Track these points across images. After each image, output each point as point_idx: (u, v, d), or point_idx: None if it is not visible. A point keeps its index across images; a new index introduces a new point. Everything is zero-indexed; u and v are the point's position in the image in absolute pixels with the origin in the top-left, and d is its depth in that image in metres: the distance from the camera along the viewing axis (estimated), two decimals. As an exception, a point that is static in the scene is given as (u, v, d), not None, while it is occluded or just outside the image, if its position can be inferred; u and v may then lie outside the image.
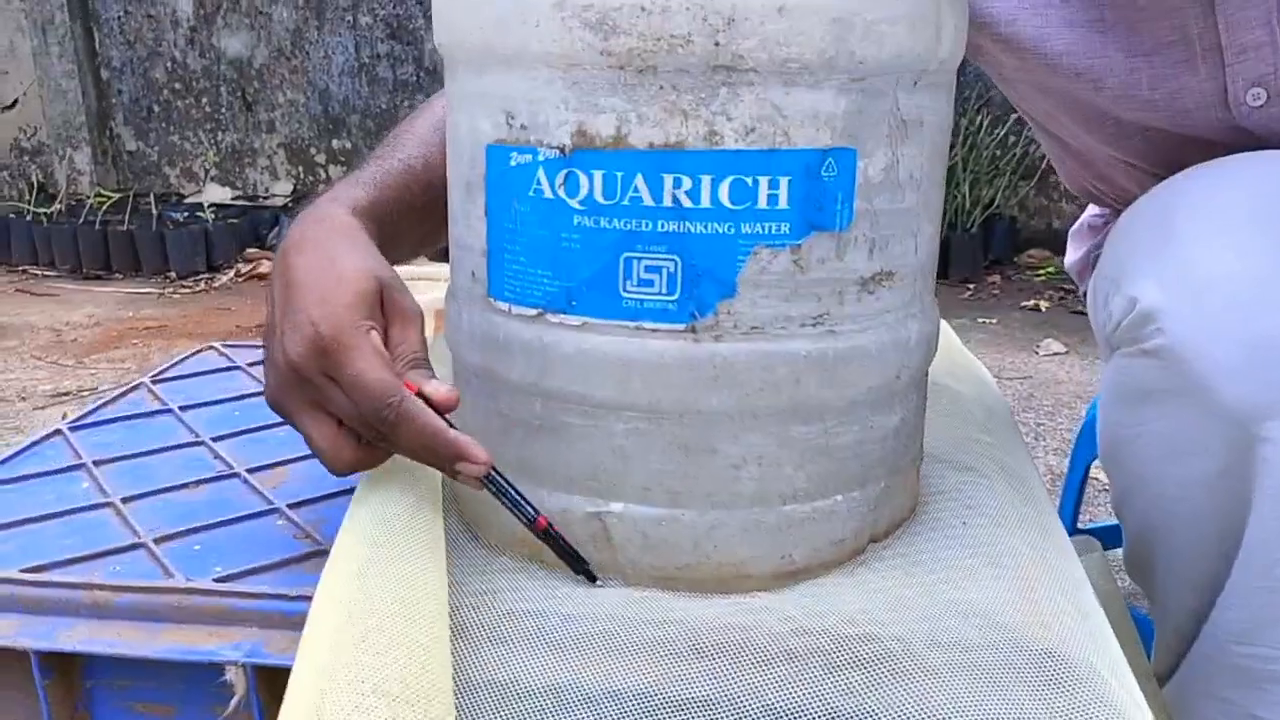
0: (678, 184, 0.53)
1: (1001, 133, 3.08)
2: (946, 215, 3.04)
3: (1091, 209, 1.03)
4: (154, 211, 3.25)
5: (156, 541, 0.66)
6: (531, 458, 0.60)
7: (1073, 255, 1.06)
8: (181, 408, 0.88)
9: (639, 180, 0.53)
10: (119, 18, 3.63)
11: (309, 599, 0.57)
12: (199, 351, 1.03)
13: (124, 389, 0.93)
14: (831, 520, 0.59)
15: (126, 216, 3.20)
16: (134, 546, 0.65)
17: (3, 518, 0.69)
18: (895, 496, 0.63)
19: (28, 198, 3.33)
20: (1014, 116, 3.10)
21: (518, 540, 0.61)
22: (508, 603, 0.57)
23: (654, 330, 0.55)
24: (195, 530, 0.67)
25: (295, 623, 0.58)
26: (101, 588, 0.60)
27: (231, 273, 3.15)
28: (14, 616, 0.60)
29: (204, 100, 3.68)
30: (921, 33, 0.55)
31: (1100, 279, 0.77)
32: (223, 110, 3.68)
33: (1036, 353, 2.29)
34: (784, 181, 0.53)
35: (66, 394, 2.13)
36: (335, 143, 3.66)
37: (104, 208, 3.24)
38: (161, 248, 3.13)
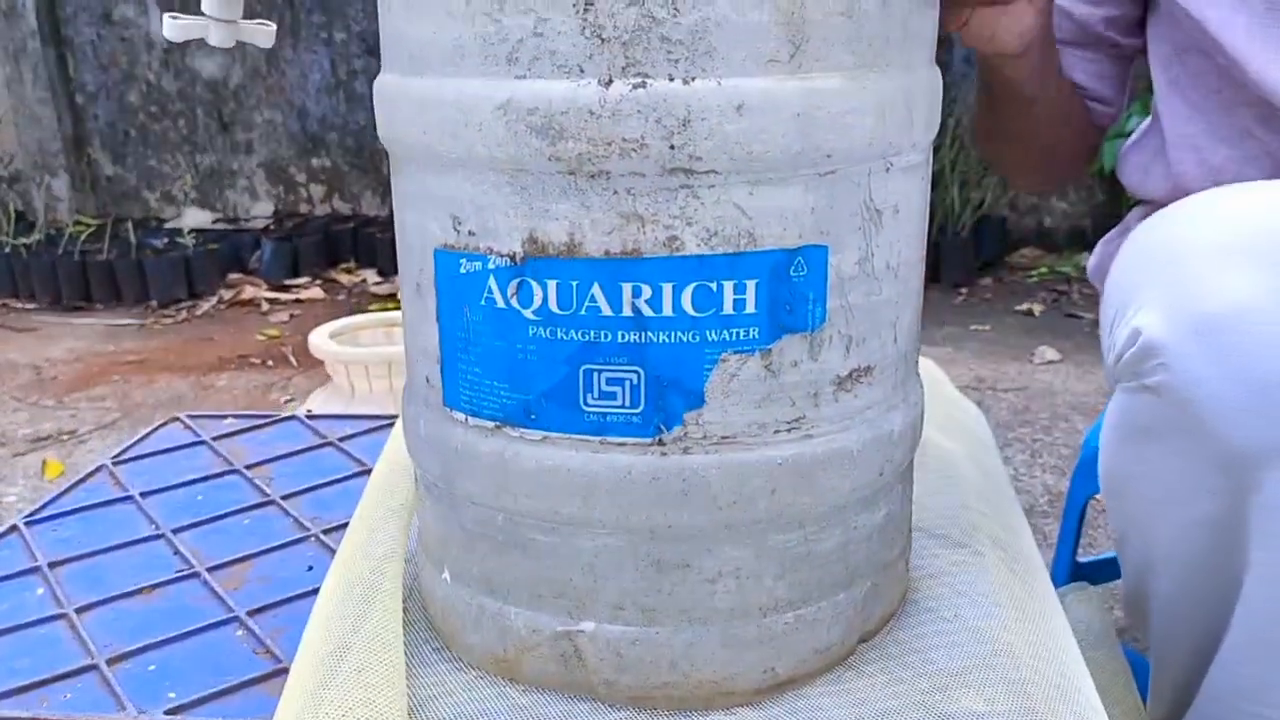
0: (637, 293, 0.49)
1: (988, 131, 3.05)
2: (936, 219, 3.01)
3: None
4: (133, 239, 3.21)
5: (110, 663, 0.63)
6: (497, 573, 0.57)
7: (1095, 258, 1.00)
8: (143, 493, 0.85)
9: (596, 290, 0.50)
10: (92, 42, 3.59)
11: (266, 732, 0.54)
12: (164, 424, 1.00)
13: (85, 474, 0.89)
14: (816, 628, 0.56)
15: (106, 245, 3.16)
16: (86, 669, 0.62)
17: (-50, 637, 0.66)
18: (884, 593, 0.60)
19: (6, 228, 3.28)
20: (1000, 115, 3.07)
21: (491, 658, 0.58)
22: (477, 732, 0.54)
23: (619, 444, 0.52)
24: (150, 647, 0.64)
25: (252, 757, 0.55)
26: (48, 723, 0.57)
27: (214, 300, 3.11)
28: (-41, 757, 0.57)
29: (180, 122, 3.64)
30: (892, 118, 0.51)
31: (1107, 303, 0.74)
32: (199, 132, 3.63)
33: (1031, 361, 2.26)
34: (751, 285, 0.50)
35: (46, 438, 2.09)
36: (315, 161, 3.62)
37: (83, 237, 3.20)
38: (141, 277, 3.09)
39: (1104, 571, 1.12)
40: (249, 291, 3.15)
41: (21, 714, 0.58)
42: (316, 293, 3.16)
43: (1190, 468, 0.61)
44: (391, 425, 0.98)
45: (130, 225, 3.34)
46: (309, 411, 1.01)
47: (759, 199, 0.49)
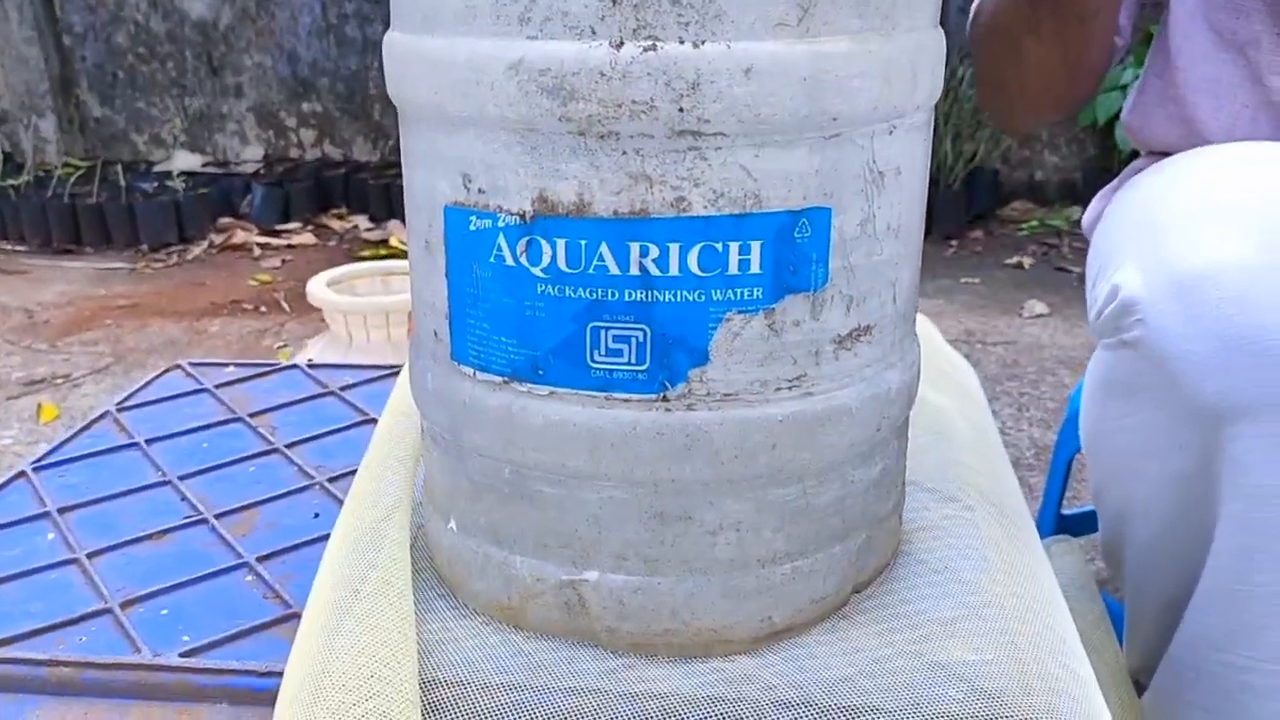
0: (644, 252, 0.50)
1: (982, 84, 3.04)
2: (930, 170, 2.96)
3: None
4: (123, 182, 3.19)
5: (123, 606, 0.64)
6: (503, 523, 0.58)
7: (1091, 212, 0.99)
8: (148, 440, 0.86)
9: (604, 249, 0.51)
10: (78, -19, 3.53)
11: (278, 674, 0.56)
12: (166, 371, 1.01)
13: (90, 419, 0.90)
14: (812, 579, 0.58)
15: (95, 188, 3.14)
16: (100, 613, 0.64)
17: (-36, 580, 0.67)
18: (877, 545, 0.62)
19: (-6, 169, 3.26)
20: (995, 67, 3.06)
21: (496, 606, 0.60)
22: (484, 675, 0.56)
23: (625, 400, 0.53)
24: (162, 591, 0.66)
25: (265, 699, 0.57)
26: (67, 664, 0.59)
27: (205, 244, 3.10)
28: (-21, 696, 0.59)
29: (169, 65, 3.59)
30: (897, 81, 0.52)
31: (1092, 260, 0.75)
32: (188, 75, 3.59)
33: (1020, 315, 2.27)
34: (755, 246, 0.51)
35: (40, 381, 2.09)
36: (305, 106, 3.59)
37: (72, 179, 3.18)
38: (131, 220, 3.08)
39: (1087, 523, 1.15)
40: (240, 236, 3.14)
41: (38, 655, 0.60)
42: (308, 238, 3.16)
43: (1165, 422, 0.63)
44: (392, 375, 0.99)
45: (120, 168, 3.31)
46: (310, 361, 1.02)
47: (765, 161, 0.50)
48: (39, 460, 0.83)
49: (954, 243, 2.92)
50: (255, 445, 0.85)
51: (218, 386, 0.97)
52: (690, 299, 0.51)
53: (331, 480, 0.79)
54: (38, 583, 0.68)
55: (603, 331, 0.52)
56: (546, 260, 0.52)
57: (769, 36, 0.48)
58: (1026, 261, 2.73)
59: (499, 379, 0.55)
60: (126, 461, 0.83)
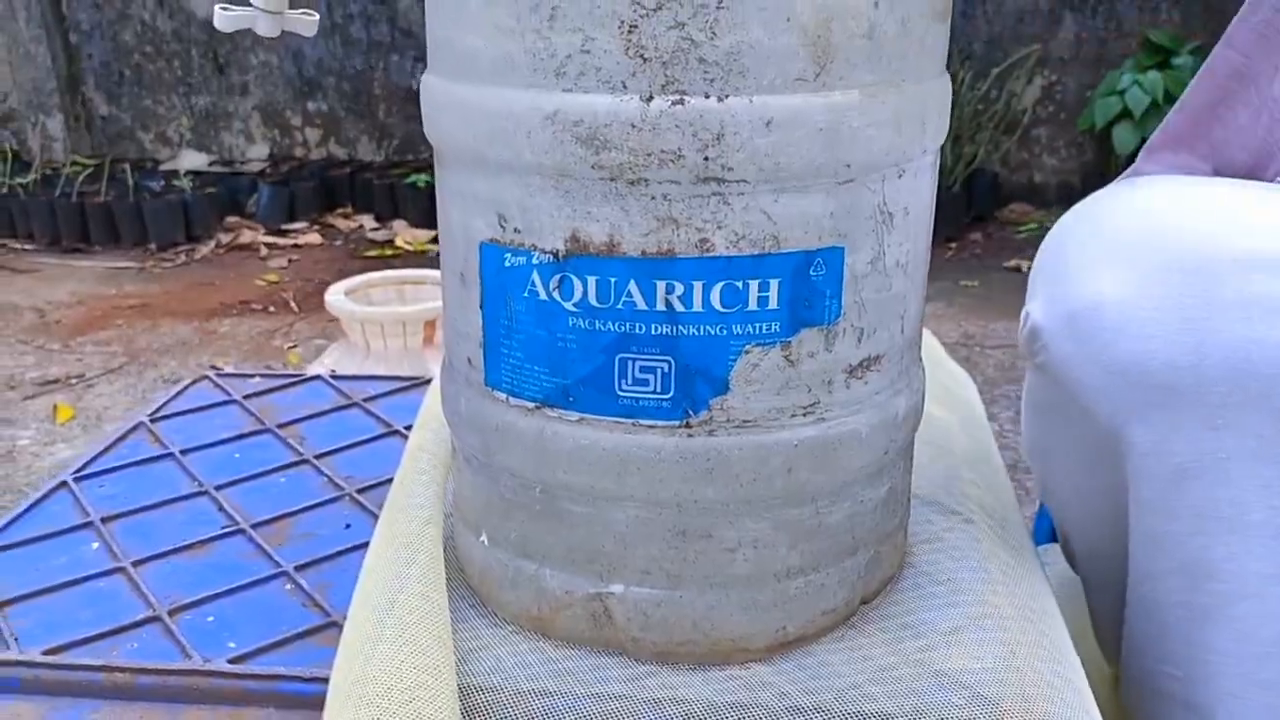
0: (670, 289, 0.54)
1: (984, 87, 3.07)
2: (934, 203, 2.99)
3: None
4: (130, 181, 3.22)
5: (171, 613, 0.68)
6: (533, 538, 0.62)
7: None
8: (182, 451, 0.90)
9: (632, 286, 0.54)
10: (85, -20, 3.56)
11: (322, 680, 0.60)
12: (195, 382, 1.04)
13: (124, 430, 0.94)
14: (824, 591, 0.62)
15: (104, 186, 3.17)
16: (149, 620, 0.67)
17: (19, 587, 0.71)
18: (885, 559, 0.66)
19: (2, 168, 3.28)
20: (995, 71, 3.10)
21: (526, 616, 0.63)
22: (516, 681, 0.60)
23: (650, 426, 0.57)
24: (207, 600, 0.69)
25: (311, 703, 0.61)
26: (122, 670, 0.63)
27: (212, 244, 3.13)
28: (40, 700, 0.63)
29: (175, 63, 3.62)
30: (907, 129, 0.56)
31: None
32: (195, 73, 3.62)
33: (1018, 319, 2.29)
34: (774, 283, 0.54)
35: (55, 381, 2.13)
36: (310, 105, 3.62)
37: (80, 178, 3.21)
38: (140, 219, 3.11)
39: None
40: (247, 236, 3.17)
41: (95, 661, 0.63)
42: (314, 238, 3.19)
43: (1081, 439, 0.68)
44: (413, 387, 1.03)
45: (128, 167, 3.34)
46: (332, 372, 1.05)
47: (783, 205, 0.53)
48: (79, 471, 0.87)
49: (953, 244, 2.96)
50: (285, 456, 0.89)
51: (246, 397, 1.00)
52: (712, 333, 0.55)
53: (361, 491, 0.83)
54: (87, 591, 0.71)
55: (630, 362, 0.56)
56: (578, 296, 0.55)
57: (788, 91, 0.52)
58: (1025, 264, 2.77)
59: (531, 405, 0.59)
60: (163, 472, 0.87)
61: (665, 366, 0.56)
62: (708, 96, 0.51)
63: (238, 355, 2.29)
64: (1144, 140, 0.90)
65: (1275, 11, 0.81)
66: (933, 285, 2.66)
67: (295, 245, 3.13)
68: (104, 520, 0.79)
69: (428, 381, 1.02)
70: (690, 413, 0.56)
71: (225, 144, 3.69)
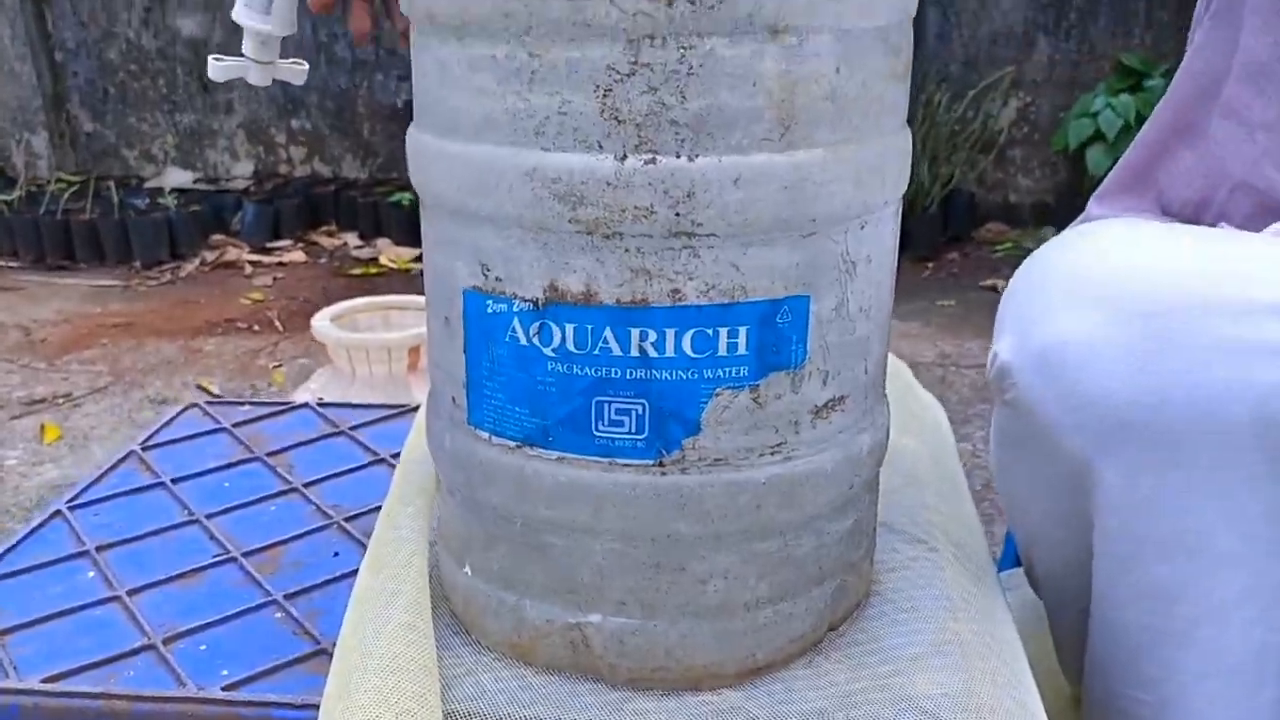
0: (644, 336, 0.57)
1: (960, 108, 3.13)
2: (907, 195, 3.06)
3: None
4: (116, 199, 3.24)
5: (165, 642, 0.70)
6: (514, 569, 0.65)
7: None
8: (174, 479, 0.92)
9: (608, 333, 0.57)
10: (71, -1, 3.58)
11: (313, 706, 0.62)
12: (185, 410, 1.07)
13: (116, 458, 0.96)
14: (791, 620, 0.65)
15: (89, 204, 3.19)
16: (145, 648, 0.70)
17: (18, 616, 0.73)
18: (850, 589, 0.69)
19: (-14, 185, 3.30)
20: (971, 93, 3.15)
21: (507, 643, 0.66)
22: (498, 706, 0.63)
23: (625, 465, 0.60)
24: (200, 628, 0.72)
25: (302, 729, 0.64)
26: (120, 697, 0.65)
27: (197, 261, 3.15)
28: (38, 728, 0.65)
29: (160, 81, 3.64)
30: (869, 183, 0.59)
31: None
32: (180, 91, 3.64)
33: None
34: (743, 330, 0.58)
35: (41, 400, 2.14)
36: (295, 123, 3.64)
37: (65, 195, 3.22)
38: (125, 237, 3.13)
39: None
40: (231, 253, 3.19)
41: (93, 689, 0.66)
42: (298, 255, 3.21)
43: (1046, 470, 0.71)
44: (398, 415, 1.06)
45: (112, 184, 3.36)
46: (319, 400, 1.08)
47: (750, 257, 0.57)
48: (73, 499, 0.89)
49: (930, 264, 3.00)
50: (274, 485, 0.92)
51: (235, 425, 1.03)
52: (684, 377, 0.58)
53: (348, 519, 0.86)
54: (84, 619, 0.74)
55: (606, 405, 0.59)
56: (556, 342, 0.58)
57: (755, 150, 0.55)
58: (1000, 284, 2.80)
59: (512, 443, 0.62)
60: (155, 500, 0.90)
61: (640, 409, 0.59)
62: (679, 156, 0.54)
63: (223, 375, 2.31)
64: (1117, 161, 0.94)
65: (1209, 60, 0.85)
66: (909, 305, 2.72)
67: (280, 263, 3.15)
68: (99, 549, 0.82)
69: (413, 409, 1.05)
70: (664, 452, 0.59)
71: (210, 161, 3.71)
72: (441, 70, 0.59)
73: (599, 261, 0.56)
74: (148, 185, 3.57)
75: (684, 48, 0.53)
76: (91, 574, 0.79)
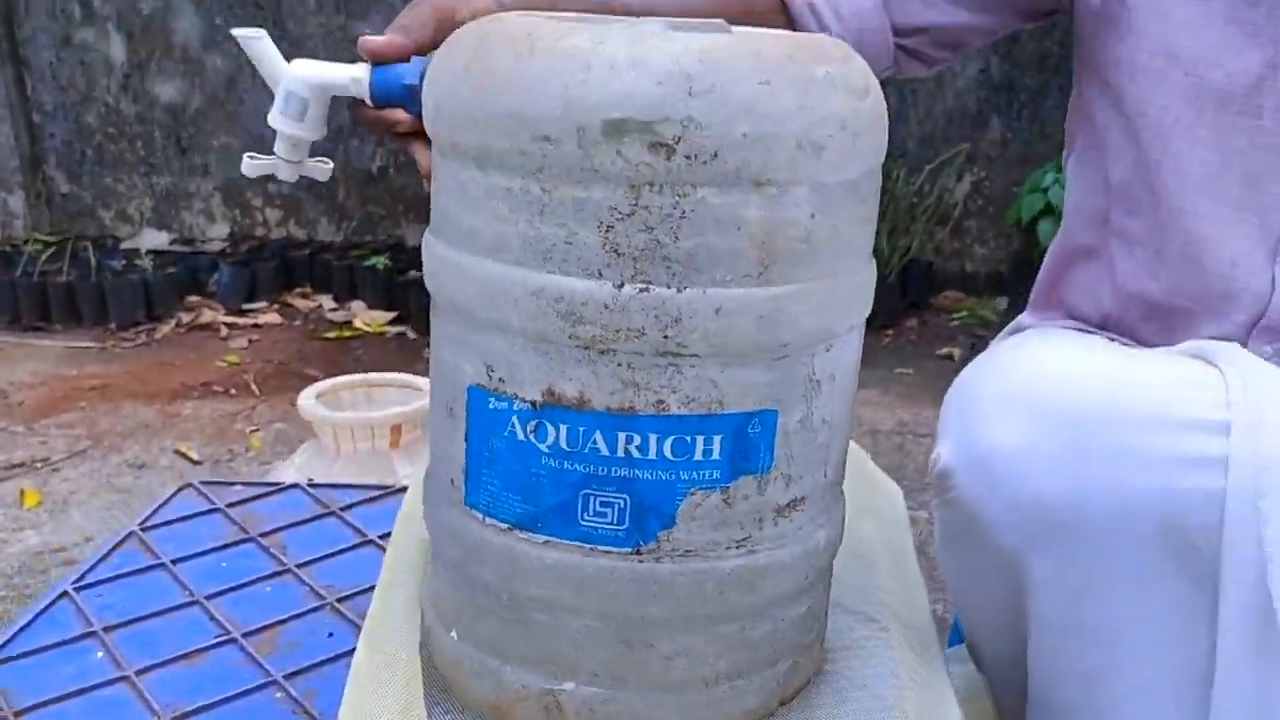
0: (630, 440, 0.64)
1: (918, 182, 3.25)
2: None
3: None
4: (93, 260, 3.28)
5: (174, 723, 0.75)
6: (499, 639, 0.71)
7: None
8: (173, 560, 0.97)
9: (597, 434, 0.64)
10: (51, 63, 3.63)
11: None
12: (180, 490, 1.12)
13: (117, 539, 1.01)
14: (746, 695, 0.72)
15: (65, 266, 3.22)
16: (155, 730, 0.75)
17: (33, 696, 0.78)
18: (802, 668, 0.76)
19: (-39, 245, 3.32)
20: (928, 167, 3.28)
21: (487, 703, 0.72)
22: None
23: (606, 552, 0.66)
24: (205, 708, 0.77)
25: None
26: (133, 779, 0.70)
27: (173, 323, 3.18)
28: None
29: (138, 144, 3.70)
30: (832, 311, 0.67)
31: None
32: (157, 154, 3.70)
33: (950, 406, 2.42)
34: (717, 438, 0.65)
35: (20, 465, 2.17)
36: (271, 186, 3.70)
37: (42, 257, 3.26)
38: (101, 298, 3.16)
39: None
40: (207, 315, 3.23)
41: (107, 771, 0.71)
42: (274, 318, 3.26)
43: (987, 563, 0.78)
44: (384, 496, 1.11)
45: (89, 246, 3.39)
46: (310, 480, 1.14)
47: (728, 375, 0.64)
48: (79, 580, 0.94)
49: (890, 331, 3.10)
50: (269, 566, 0.97)
51: (229, 506, 1.08)
52: (663, 477, 0.65)
53: (340, 600, 0.91)
54: (95, 700, 0.78)
55: (592, 498, 0.66)
56: (551, 439, 0.65)
57: (735, 285, 0.62)
58: (956, 352, 2.92)
59: (505, 525, 0.68)
60: (156, 581, 0.95)
61: (622, 503, 0.65)
62: (669, 286, 0.62)
63: (200, 439, 2.35)
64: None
65: (1086, 190, 0.95)
66: (869, 373, 2.80)
67: (255, 325, 3.19)
68: (106, 629, 0.87)
69: (399, 490, 1.11)
70: (641, 542, 0.66)
71: (186, 223, 3.76)
72: (461, 191, 0.66)
73: (594, 373, 0.63)
74: (124, 246, 3.61)
75: (679, 195, 0.60)
76: (100, 654, 0.84)
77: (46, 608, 0.89)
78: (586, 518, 0.66)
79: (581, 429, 0.64)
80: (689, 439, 0.64)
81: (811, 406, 0.67)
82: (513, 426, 0.66)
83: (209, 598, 0.91)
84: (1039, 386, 0.74)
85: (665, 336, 0.62)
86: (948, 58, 0.98)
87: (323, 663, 0.82)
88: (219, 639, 0.86)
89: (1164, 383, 0.72)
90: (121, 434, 2.36)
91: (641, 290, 0.61)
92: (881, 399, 2.55)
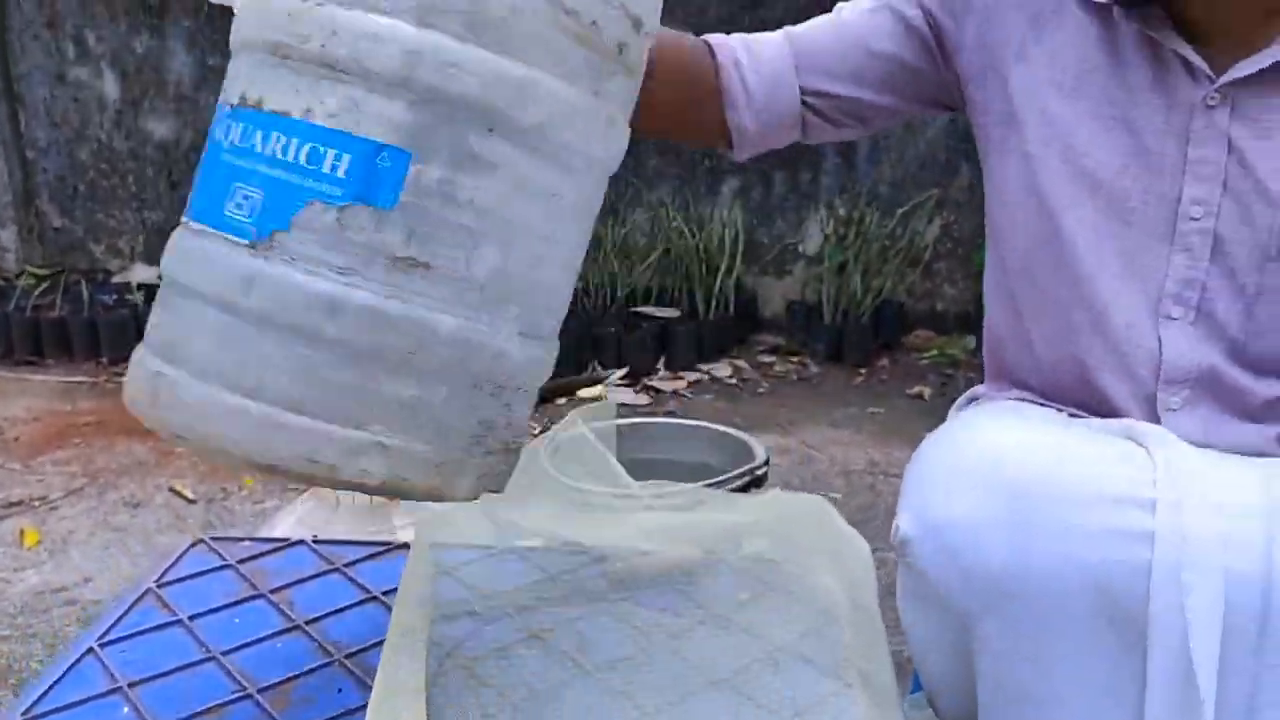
0: (278, 140, 0.68)
1: (890, 225, 3.36)
2: (841, 305, 3.32)
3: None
4: (85, 295, 3.32)
5: (197, 780, 0.82)
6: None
7: None
8: (190, 617, 1.04)
9: (258, 134, 0.69)
10: (45, 100, 3.71)
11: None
12: (192, 546, 1.19)
13: (135, 596, 1.09)
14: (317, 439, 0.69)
15: (58, 300, 3.27)
16: (180, 787, 0.81)
17: (62, 757, 0.84)
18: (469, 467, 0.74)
19: (-46, 278, 3.37)
20: (900, 211, 3.39)
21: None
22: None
23: (235, 242, 0.69)
24: (227, 763, 0.84)
25: None
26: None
27: (162, 357, 3.23)
28: None
29: (130, 179, 3.77)
30: (498, 89, 0.68)
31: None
32: (148, 190, 3.77)
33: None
34: (346, 157, 0.67)
35: (19, 503, 2.21)
36: (261, 221, 3.77)
37: (35, 291, 3.31)
38: (93, 333, 3.20)
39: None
40: (196, 350, 3.27)
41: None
42: (261, 352, 3.30)
43: (942, 623, 0.83)
44: (386, 552, 1.19)
45: (81, 280, 3.45)
46: (315, 537, 1.21)
47: (371, 101, 0.67)
48: (102, 636, 1.01)
49: (863, 371, 3.18)
50: (279, 622, 1.03)
51: (239, 562, 1.15)
52: (294, 181, 0.68)
53: (348, 657, 0.99)
54: (124, 756, 0.85)
55: (239, 190, 0.70)
56: (231, 138, 0.71)
57: (394, 16, 0.67)
58: (927, 391, 2.99)
59: (192, 222, 0.73)
60: (174, 638, 1.00)
61: (257, 198, 0.69)
62: (340, 4, 0.67)
63: (194, 477, 2.39)
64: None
65: (996, 269, 1.03)
66: (844, 411, 2.88)
67: (243, 359, 3.23)
68: (131, 685, 0.93)
69: (401, 546, 1.18)
70: (259, 237, 0.68)
71: (175, 256, 3.82)
72: None
73: (274, 78, 0.69)
74: (115, 280, 3.67)
75: None
76: (126, 709, 0.90)
77: (74, 664, 0.96)
78: (230, 208, 0.69)
79: (250, 127, 0.69)
80: (322, 149, 0.67)
81: (458, 177, 0.68)
82: (215, 132, 0.71)
83: (225, 653, 0.97)
84: (986, 462, 0.81)
85: (323, 46, 0.66)
86: (855, 126, 1.06)
87: (335, 718, 0.89)
88: (236, 694, 0.92)
89: (1097, 460, 0.78)
90: (117, 471, 2.41)
91: (319, 5, 0.67)
92: (854, 439, 2.62)
